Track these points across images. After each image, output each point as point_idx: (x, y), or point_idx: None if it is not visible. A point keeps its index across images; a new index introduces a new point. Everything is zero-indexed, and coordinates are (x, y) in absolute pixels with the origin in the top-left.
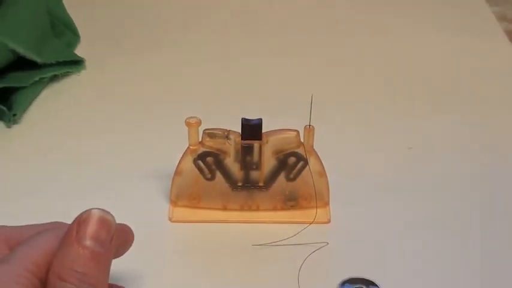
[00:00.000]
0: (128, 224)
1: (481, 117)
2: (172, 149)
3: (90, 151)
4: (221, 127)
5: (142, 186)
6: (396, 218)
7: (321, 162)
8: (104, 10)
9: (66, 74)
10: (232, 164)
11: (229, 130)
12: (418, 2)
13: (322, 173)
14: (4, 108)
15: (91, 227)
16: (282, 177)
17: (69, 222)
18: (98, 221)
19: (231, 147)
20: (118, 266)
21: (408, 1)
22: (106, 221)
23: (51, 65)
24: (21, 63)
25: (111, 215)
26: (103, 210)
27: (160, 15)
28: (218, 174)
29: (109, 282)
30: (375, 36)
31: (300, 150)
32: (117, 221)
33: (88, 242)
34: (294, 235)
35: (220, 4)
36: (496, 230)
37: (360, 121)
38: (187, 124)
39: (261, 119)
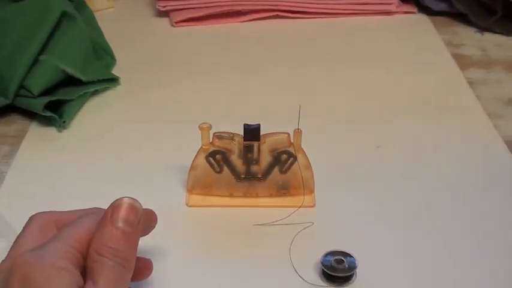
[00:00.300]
0: (152, 208)
1: (435, 120)
2: (189, 148)
3: (123, 151)
4: (228, 131)
5: (165, 178)
6: (368, 203)
7: (307, 158)
8: (135, 40)
9: (105, 89)
10: (236, 160)
11: (234, 133)
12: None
13: (308, 167)
14: (56, 117)
15: (122, 212)
16: (276, 170)
17: (106, 207)
18: (128, 207)
19: (235, 147)
20: (145, 242)
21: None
22: (134, 207)
23: (93, 82)
24: (70, 81)
25: (138, 202)
26: (132, 198)
27: (177, 46)
28: (225, 168)
29: (137, 255)
30: (355, 59)
31: (291, 149)
32: (144, 207)
33: (120, 224)
34: (286, 217)
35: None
36: (464, 204)
37: (340, 124)
38: (201, 128)
39: (259, 124)
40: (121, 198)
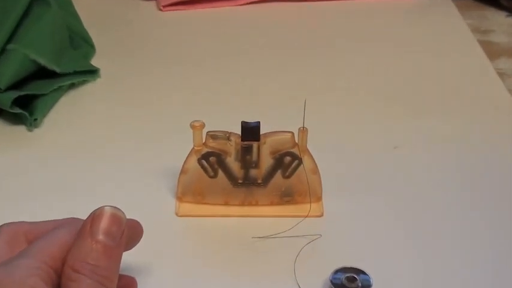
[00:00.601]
0: (137, 219)
1: (461, 119)
2: (179, 149)
3: (103, 152)
4: (223, 129)
5: (151, 184)
6: (385, 212)
7: (313, 160)
8: (117, 26)
9: (82, 82)
10: (233, 163)
11: (230, 132)
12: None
13: (315, 171)
14: (26, 114)
15: (103, 223)
16: (278, 174)
17: (84, 218)
18: (109, 217)
19: (232, 148)
20: (128, 258)
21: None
22: (117, 217)
23: (69, 74)
24: (42, 73)
25: (121, 211)
26: (114, 207)
27: (165, 33)
28: (220, 173)
29: (120, 273)
30: (363, 46)
31: (295, 150)
32: (128, 217)
33: (100, 237)
34: (290, 228)
35: (226, 18)
36: (482, 218)
37: (350, 123)
38: (192, 127)
39: (259, 122)
40: (102, 207)
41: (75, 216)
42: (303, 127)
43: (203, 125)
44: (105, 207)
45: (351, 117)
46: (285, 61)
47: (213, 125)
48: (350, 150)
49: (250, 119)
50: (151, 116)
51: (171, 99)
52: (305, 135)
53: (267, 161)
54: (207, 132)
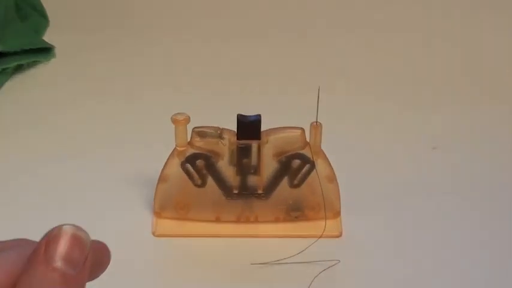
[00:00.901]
0: (104, 240)
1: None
2: (157, 150)
3: (58, 151)
4: (213, 125)
5: (121, 194)
6: (417, 231)
7: (330, 165)
8: None
9: (32, 64)
10: (226, 167)
11: (223, 128)
12: None
13: (332, 178)
14: None
15: (62, 246)
16: (284, 183)
17: (36, 239)
18: (69, 239)
19: (225, 148)
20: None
21: None
22: (79, 239)
23: (15, 53)
24: None
25: (85, 231)
26: (76, 226)
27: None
28: (210, 180)
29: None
30: (393, 30)
31: (306, 151)
32: (92, 238)
33: (58, 263)
34: (300, 252)
35: None
36: None
37: (375, 117)
38: (174, 121)
39: (259, 115)
40: (59, 227)
41: (23, 236)
42: (317, 122)
43: (188, 119)
44: (64, 226)
45: (377, 110)
46: (292, 39)
47: (201, 119)
48: (375, 151)
49: (249, 111)
50: (121, 107)
51: (146, 84)
52: (319, 132)
53: (269, 166)
54: (194, 129)
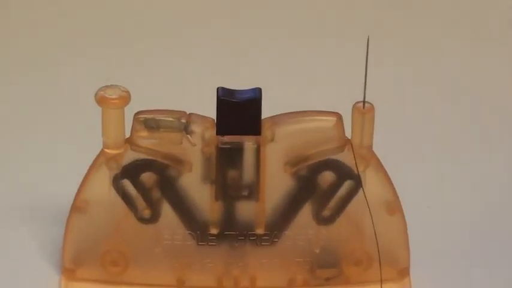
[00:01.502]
0: None
1: None
2: (72, 155)
3: None
4: (173, 108)
5: (11, 237)
6: None
7: (390, 182)
8: None
9: None
10: (197, 186)
11: (191, 114)
12: None
13: (394, 206)
14: None
15: None
16: (306, 215)
17: None
18: None
19: (194, 151)
20: None
21: None
22: None
23: None
24: None
25: None
26: None
27: None
28: (166, 210)
29: None
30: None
31: (345, 157)
32: None
33: None
34: None
35: None
36: None
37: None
38: (100, 100)
39: (258, 90)
40: None
41: None
42: (364, 101)
43: (127, 98)
44: None
45: (451, 113)
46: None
47: (152, 98)
48: (451, 171)
49: (240, 84)
50: (16, 87)
51: (57, 47)
52: (369, 121)
53: (278, 183)
54: (136, 115)
